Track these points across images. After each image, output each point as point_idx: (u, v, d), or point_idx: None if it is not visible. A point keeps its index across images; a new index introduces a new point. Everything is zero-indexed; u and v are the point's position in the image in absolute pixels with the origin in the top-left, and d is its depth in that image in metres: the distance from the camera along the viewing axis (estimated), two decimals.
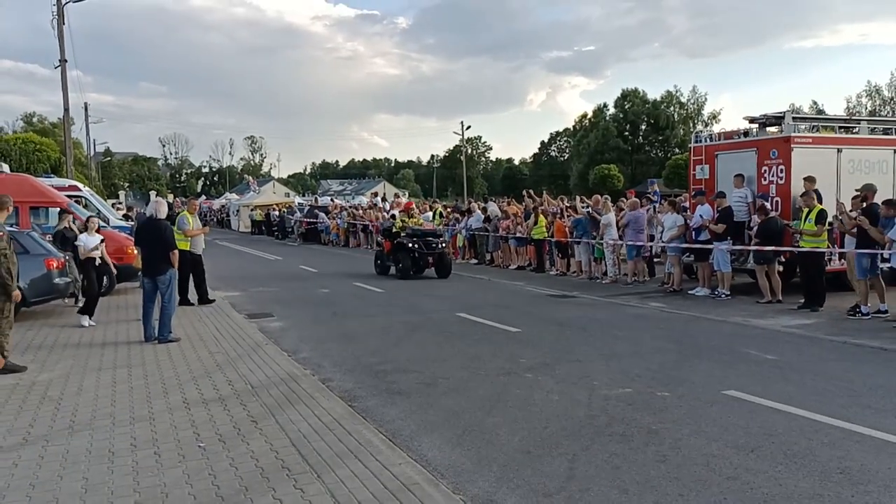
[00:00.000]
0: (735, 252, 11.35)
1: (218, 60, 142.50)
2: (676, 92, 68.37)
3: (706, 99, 70.22)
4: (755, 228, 11.02)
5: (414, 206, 19.95)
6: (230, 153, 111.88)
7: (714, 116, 68.63)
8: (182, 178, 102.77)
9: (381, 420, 5.14)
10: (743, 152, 12.00)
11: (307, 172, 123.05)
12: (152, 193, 55.68)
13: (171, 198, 42.81)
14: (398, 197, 32.63)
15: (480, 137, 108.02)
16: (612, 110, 70.55)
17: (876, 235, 8.95)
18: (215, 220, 47.84)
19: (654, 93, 69.62)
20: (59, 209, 12.08)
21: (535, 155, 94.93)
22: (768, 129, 11.97)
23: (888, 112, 52.02)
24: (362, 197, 44.59)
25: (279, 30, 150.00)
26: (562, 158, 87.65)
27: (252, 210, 41.03)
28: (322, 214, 30.02)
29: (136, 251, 10.75)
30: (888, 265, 9.04)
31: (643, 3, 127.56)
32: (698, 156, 12.82)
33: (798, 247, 10.20)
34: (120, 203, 35.07)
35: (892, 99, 54.75)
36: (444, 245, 15.31)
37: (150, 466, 4.14)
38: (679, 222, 12.12)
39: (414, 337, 8.54)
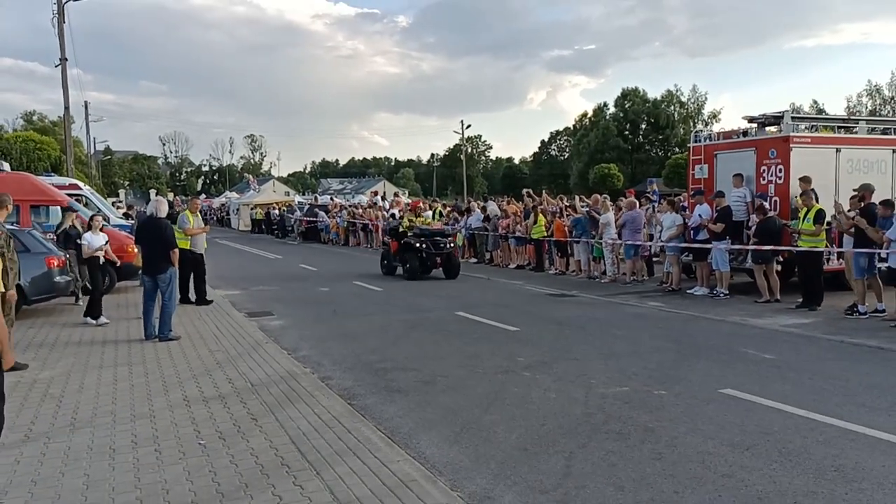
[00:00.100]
0: (733, 251, 11.39)
1: (218, 59, 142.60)
2: (677, 91, 68.44)
3: (706, 98, 70.24)
4: (754, 228, 11.06)
5: (421, 204, 19.62)
6: (230, 152, 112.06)
7: (714, 116, 68.71)
8: (182, 177, 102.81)
9: (379, 418, 5.18)
10: (742, 152, 12.03)
11: (307, 171, 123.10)
12: (152, 192, 55.71)
13: (170, 196, 42.88)
14: (398, 196, 32.69)
15: (480, 136, 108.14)
16: (612, 109, 70.58)
17: (873, 235, 8.98)
18: (215, 218, 47.86)
19: (654, 92, 69.66)
20: (65, 207, 12.08)
21: (535, 154, 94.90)
22: (767, 128, 12.00)
23: (888, 111, 52.03)
24: (362, 196, 44.63)
25: (279, 28, 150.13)
26: (562, 157, 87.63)
27: (252, 209, 41.07)
28: (322, 213, 30.06)
29: (136, 250, 10.79)
30: (886, 265, 9.06)
31: (644, 2, 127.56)
32: (697, 155, 12.85)
33: (796, 246, 10.23)
34: (120, 202, 35.14)
35: (892, 98, 54.76)
36: (452, 245, 15.02)
37: (150, 463, 4.18)
38: (678, 222, 12.16)
39: (413, 335, 8.58)
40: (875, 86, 55.36)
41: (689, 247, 11.97)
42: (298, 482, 3.85)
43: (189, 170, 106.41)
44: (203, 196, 61.05)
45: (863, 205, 9.51)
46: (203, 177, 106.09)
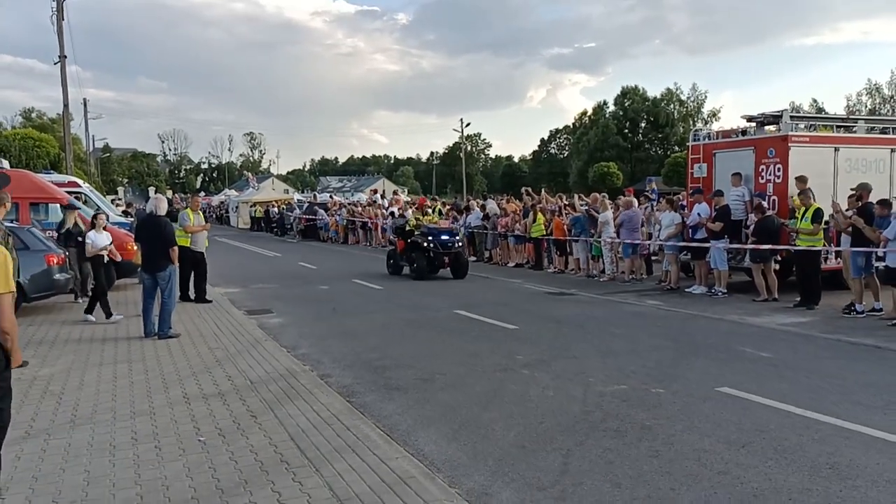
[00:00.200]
0: (732, 250, 11.42)
1: (217, 56, 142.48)
2: (676, 90, 68.38)
3: (706, 97, 70.23)
4: (752, 227, 11.09)
5: (427, 202, 19.19)
6: (229, 149, 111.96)
7: (714, 114, 68.67)
8: (181, 175, 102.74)
9: (378, 415, 5.21)
10: (741, 151, 12.05)
11: (306, 169, 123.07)
12: (151, 190, 55.69)
13: (170, 194, 42.86)
14: (397, 194, 32.68)
15: (480, 134, 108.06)
16: (611, 108, 70.53)
17: (870, 235, 9.02)
18: (214, 216, 47.86)
19: (654, 90, 69.58)
20: (67, 206, 12.07)
21: (534, 152, 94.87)
22: (766, 127, 12.01)
23: (888, 110, 52.04)
24: (361, 194, 44.62)
25: (279, 25, 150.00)
26: (561, 156, 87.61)
27: (252, 207, 41.07)
28: (322, 211, 30.07)
29: (135, 247, 10.80)
30: (883, 264, 9.09)
31: (644, 0, 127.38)
32: (696, 154, 12.87)
33: (794, 246, 10.26)
34: (119, 199, 35.13)
35: (892, 97, 54.75)
36: (460, 244, 14.68)
37: (150, 460, 4.21)
38: (677, 220, 12.19)
39: (412, 334, 8.61)
40: (875, 84, 55.40)
41: (687, 245, 12.00)
42: (298, 479, 3.88)
43: (188, 167, 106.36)
44: (202, 194, 61.00)
45: (860, 204, 9.54)
46: (202, 174, 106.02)
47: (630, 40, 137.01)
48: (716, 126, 45.93)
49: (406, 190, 73.59)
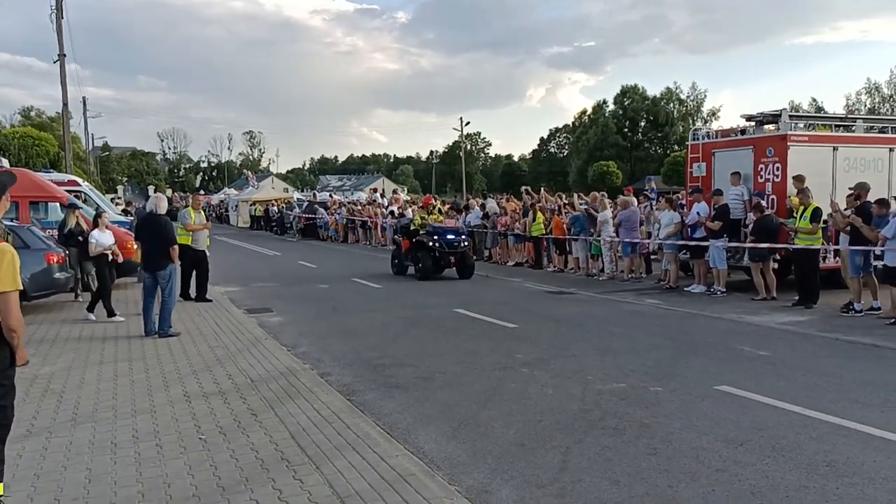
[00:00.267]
0: (731, 249, 11.45)
1: (217, 55, 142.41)
2: (676, 88, 68.37)
3: (705, 96, 70.10)
4: (751, 226, 11.11)
5: (433, 200, 18.26)
6: (229, 148, 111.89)
7: (713, 113, 68.66)
8: (180, 173, 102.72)
9: (378, 413, 5.23)
10: (740, 150, 12.08)
11: (306, 168, 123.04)
12: (150, 188, 55.66)
13: (169, 193, 42.84)
14: (397, 193, 32.66)
15: (480, 133, 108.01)
16: (611, 107, 70.48)
17: (868, 234, 9.04)
18: (214, 215, 47.85)
19: (653, 89, 69.60)
20: (68, 205, 12.07)
21: (534, 151, 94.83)
22: (765, 127, 12.04)
23: (887, 109, 52.06)
24: (361, 193, 44.64)
25: (278, 24, 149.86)
26: (561, 155, 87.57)
27: (251, 205, 41.08)
28: (322, 210, 30.08)
29: (135, 246, 10.82)
30: (881, 263, 9.12)
31: None
32: (695, 153, 12.89)
33: (793, 244, 10.29)
34: (119, 198, 35.09)
35: (891, 96, 54.77)
36: (466, 244, 14.36)
37: (152, 458, 4.23)
38: (676, 219, 12.21)
39: (412, 332, 8.63)
40: (874, 84, 55.41)
41: (686, 244, 12.03)
42: (298, 476, 3.90)
43: (187, 166, 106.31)
44: (202, 192, 61.00)
45: (859, 203, 9.56)
46: (202, 173, 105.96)
47: (630, 39, 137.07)
48: (715, 125, 45.92)
49: (406, 189, 73.58)
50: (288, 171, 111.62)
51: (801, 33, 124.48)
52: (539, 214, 15.51)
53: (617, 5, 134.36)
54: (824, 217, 10.09)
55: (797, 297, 10.13)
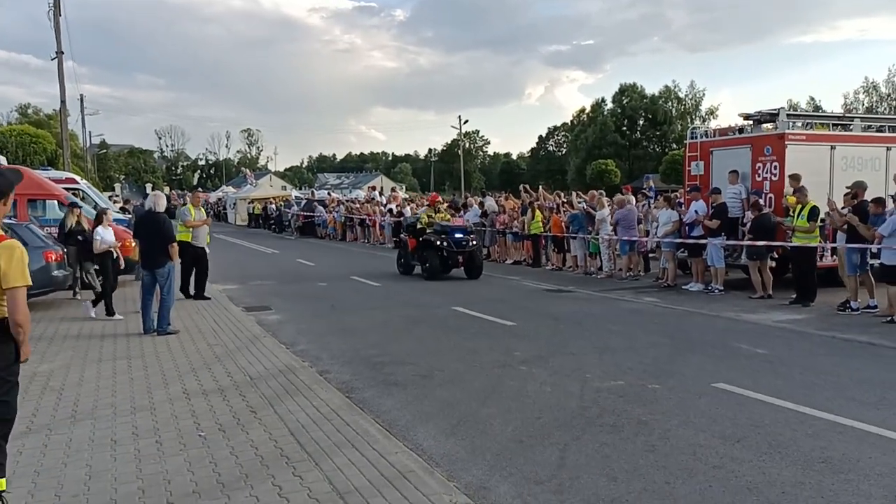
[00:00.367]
0: (729, 248, 11.48)
1: (215, 53, 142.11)
2: (674, 87, 68.40)
3: (704, 94, 70.05)
4: (749, 224, 11.15)
5: (440, 198, 17.99)
6: (227, 146, 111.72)
7: (712, 112, 68.69)
8: (178, 171, 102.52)
9: (377, 410, 5.25)
10: (737, 149, 12.11)
11: (304, 166, 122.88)
12: (148, 186, 55.58)
13: (167, 190, 42.78)
14: (395, 191, 32.65)
15: (478, 131, 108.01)
16: (609, 105, 70.49)
17: (865, 233, 9.08)
18: (212, 213, 47.79)
19: (652, 88, 69.61)
20: (69, 204, 12.06)
21: (532, 149, 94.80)
22: (763, 125, 12.06)
23: (885, 108, 52.15)
24: (359, 191, 44.60)
25: (276, 22, 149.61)
26: (559, 153, 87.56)
27: (250, 203, 41.03)
28: (320, 208, 30.06)
29: (134, 244, 10.82)
30: (878, 261, 9.16)
31: None
32: (693, 152, 12.92)
33: (790, 243, 10.32)
34: (117, 196, 35.06)
35: (888, 95, 54.87)
36: (474, 243, 13.96)
37: (151, 454, 4.25)
38: (674, 218, 12.25)
39: (410, 330, 8.65)
40: (871, 83, 55.49)
41: (684, 243, 12.06)
42: (298, 473, 3.92)
43: (185, 164, 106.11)
44: (200, 190, 60.94)
45: (856, 202, 9.60)
46: (199, 171, 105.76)
47: (628, 37, 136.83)
48: (713, 124, 45.95)
49: (404, 187, 73.52)
50: (286, 169, 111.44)
51: (800, 32, 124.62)
52: (538, 213, 15.53)
53: (616, 4, 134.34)
54: (821, 216, 10.13)
55: (794, 296, 10.17)
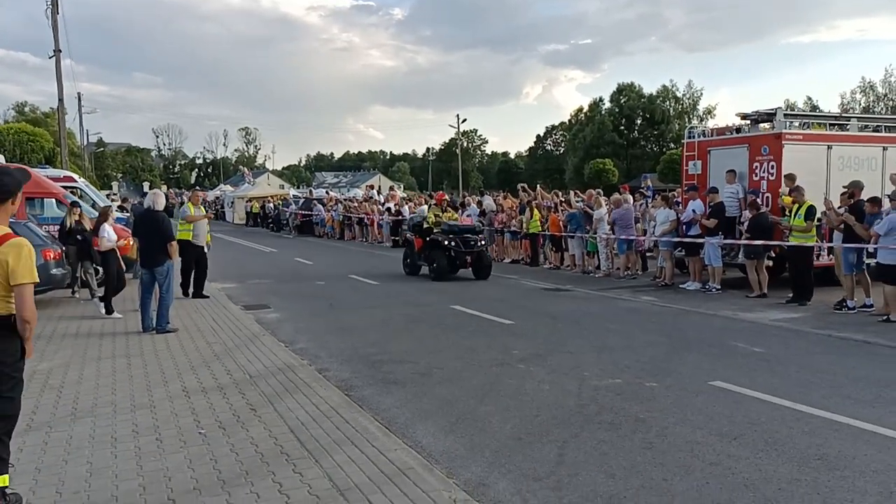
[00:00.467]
0: (726, 247, 11.53)
1: (213, 51, 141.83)
2: (672, 87, 68.49)
3: (702, 94, 70.18)
4: (746, 224, 11.19)
5: (446, 197, 17.57)
6: (224, 144, 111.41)
7: (709, 111, 68.80)
8: (175, 170, 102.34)
9: (377, 408, 5.28)
10: (735, 148, 12.15)
11: (302, 164, 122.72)
12: (146, 185, 55.43)
13: (164, 189, 42.70)
14: (393, 190, 32.67)
15: (476, 130, 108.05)
16: (607, 104, 70.55)
17: (861, 232, 9.13)
18: (211, 210, 47.70)
19: (649, 87, 69.65)
20: (70, 203, 12.06)
21: (530, 149, 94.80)
22: (760, 125, 12.12)
23: (882, 108, 52.30)
24: (357, 189, 44.60)
25: (274, 20, 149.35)
26: (557, 152, 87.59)
27: (247, 202, 41.00)
28: (320, 206, 30.05)
29: (132, 242, 10.82)
30: (874, 261, 9.21)
31: None
32: (691, 151, 12.97)
33: (787, 242, 10.37)
34: (115, 194, 35.00)
35: (885, 95, 55.02)
36: (482, 243, 13.72)
37: (152, 451, 4.26)
38: (671, 217, 12.28)
39: (409, 329, 8.67)
40: (868, 83, 55.63)
41: (682, 242, 12.10)
42: (298, 469, 3.94)
43: (182, 162, 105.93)
44: (197, 188, 60.83)
45: (852, 202, 9.64)
46: (197, 169, 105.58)
47: (626, 37, 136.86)
48: (711, 123, 46.02)
49: (402, 186, 73.51)
50: (284, 168, 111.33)
51: (799, 32, 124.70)
52: (536, 212, 15.56)
53: (613, 3, 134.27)
54: (818, 215, 10.17)
55: (791, 295, 10.22)
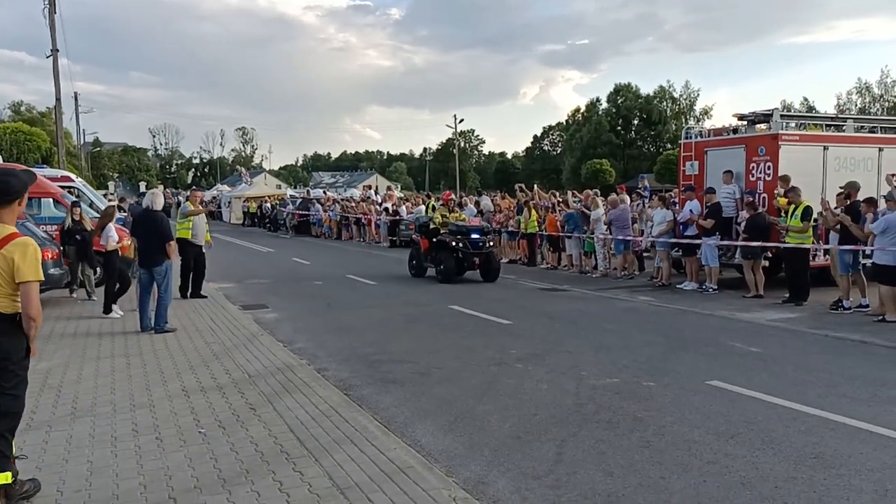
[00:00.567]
0: (723, 247, 11.58)
1: (211, 51, 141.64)
2: (669, 87, 68.67)
3: (699, 94, 70.44)
4: (743, 224, 11.24)
5: (453, 196, 17.14)
6: (221, 144, 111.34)
7: (706, 112, 69.00)
8: (172, 169, 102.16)
9: (376, 408, 5.30)
10: (732, 149, 12.20)
11: (299, 164, 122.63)
12: (142, 184, 55.34)
13: (160, 189, 42.57)
14: (391, 189, 32.72)
15: (473, 131, 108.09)
16: (604, 105, 70.74)
17: (857, 233, 9.18)
18: (208, 209, 47.59)
19: (647, 88, 69.93)
20: (70, 203, 12.04)
21: (527, 149, 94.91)
22: (757, 126, 12.16)
23: (877, 109, 52.52)
24: (354, 189, 44.58)
25: (271, 20, 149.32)
26: (554, 153, 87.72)
27: (244, 202, 40.94)
28: (317, 206, 30.04)
29: (130, 242, 10.81)
30: (870, 261, 9.26)
31: None
32: (688, 152, 13.01)
33: (784, 243, 10.42)
34: (111, 194, 34.91)
35: (881, 96, 55.27)
36: (491, 244, 13.43)
37: (152, 450, 4.28)
38: (668, 217, 12.33)
39: (408, 328, 8.69)
40: (864, 83, 55.89)
41: (678, 242, 12.14)
42: (298, 468, 3.96)
43: (179, 162, 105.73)
44: (195, 188, 60.70)
45: (848, 202, 9.70)
46: (194, 169, 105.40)
47: (623, 37, 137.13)
48: (708, 124, 46.13)
49: (399, 186, 73.55)
50: (281, 168, 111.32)
51: (796, 32, 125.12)
52: (533, 212, 15.59)
53: (610, 3, 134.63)
54: (814, 216, 10.23)
55: (787, 295, 10.27)
